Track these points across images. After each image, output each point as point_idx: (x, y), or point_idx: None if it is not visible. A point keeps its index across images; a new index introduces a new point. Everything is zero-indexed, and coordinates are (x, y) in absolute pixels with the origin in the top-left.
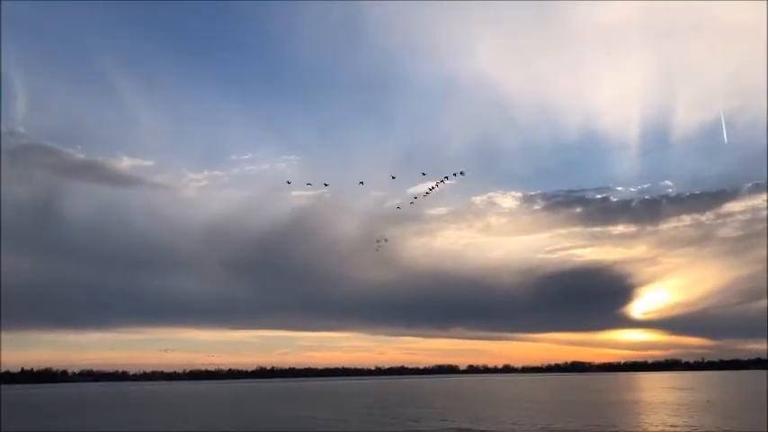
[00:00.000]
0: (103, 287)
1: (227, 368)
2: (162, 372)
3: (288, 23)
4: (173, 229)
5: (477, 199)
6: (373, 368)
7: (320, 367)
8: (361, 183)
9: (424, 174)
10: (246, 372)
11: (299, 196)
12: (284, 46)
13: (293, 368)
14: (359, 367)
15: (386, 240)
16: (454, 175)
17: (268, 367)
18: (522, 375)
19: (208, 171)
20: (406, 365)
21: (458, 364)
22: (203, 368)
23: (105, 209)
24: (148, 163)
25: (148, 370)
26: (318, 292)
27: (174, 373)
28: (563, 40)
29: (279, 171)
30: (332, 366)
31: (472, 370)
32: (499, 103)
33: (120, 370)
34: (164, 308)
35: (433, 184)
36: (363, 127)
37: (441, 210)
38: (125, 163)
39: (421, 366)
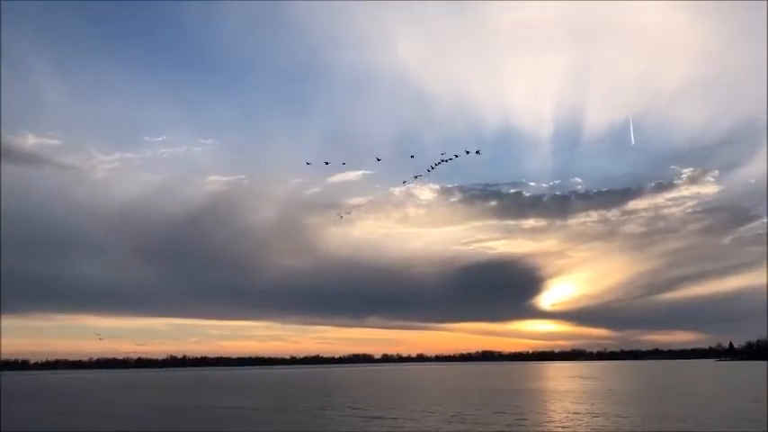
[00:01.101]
0: (4, 272)
1: (137, 357)
2: (66, 360)
3: (211, 7)
4: (80, 211)
5: (396, 190)
6: (288, 357)
7: (233, 356)
8: (412, 156)
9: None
10: (156, 360)
11: (216, 181)
12: (206, 30)
13: (205, 357)
14: (273, 356)
15: (348, 213)
16: (467, 152)
17: (179, 356)
18: (435, 364)
19: (119, 153)
20: (320, 355)
21: (372, 353)
22: (111, 357)
23: (7, 189)
24: (55, 142)
25: (52, 358)
26: (233, 280)
27: (80, 361)
28: (482, 38)
29: (195, 155)
30: (245, 356)
31: (386, 359)
32: (418, 97)
33: (21, 358)
34: (70, 294)
35: (444, 159)
36: (283, 114)
37: (360, 199)
38: (30, 141)
39: (336, 355)
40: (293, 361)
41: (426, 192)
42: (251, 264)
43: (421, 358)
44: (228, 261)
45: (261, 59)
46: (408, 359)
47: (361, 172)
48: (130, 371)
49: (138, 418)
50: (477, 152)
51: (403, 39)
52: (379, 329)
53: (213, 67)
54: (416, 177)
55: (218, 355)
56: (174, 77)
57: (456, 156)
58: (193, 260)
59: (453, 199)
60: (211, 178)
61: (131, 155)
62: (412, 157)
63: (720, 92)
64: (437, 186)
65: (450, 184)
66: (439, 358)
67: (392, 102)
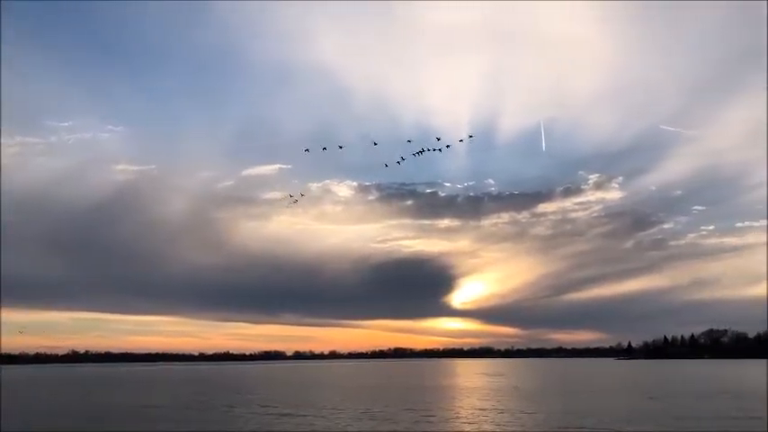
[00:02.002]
0: None
1: (34, 351)
2: None
3: None
4: None
5: (313, 186)
6: (197, 354)
7: (139, 352)
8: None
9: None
10: (56, 356)
11: (124, 170)
12: (119, 14)
13: (109, 353)
14: (182, 353)
15: (301, 195)
16: (460, 141)
17: (81, 351)
18: (348, 361)
19: (20, 137)
20: (231, 351)
21: (285, 351)
22: (6, 352)
23: None
24: None
25: None
26: (141, 273)
27: None
28: (403, 38)
29: (102, 142)
30: (153, 352)
31: (299, 356)
32: (338, 93)
33: None
34: None
35: (422, 149)
36: (197, 104)
37: (275, 194)
38: None
39: (247, 352)
40: (202, 358)
41: (344, 189)
42: (160, 257)
43: (334, 355)
44: (136, 253)
45: (176, 47)
46: (321, 356)
47: (277, 166)
48: (30, 366)
49: (29, 416)
50: (469, 137)
51: (324, 34)
52: (292, 326)
53: (125, 52)
54: (399, 162)
55: (124, 351)
56: (81, 61)
57: (437, 149)
58: (99, 252)
59: (371, 197)
60: (119, 167)
61: (33, 139)
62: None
63: (626, 102)
64: (355, 184)
65: (367, 182)
66: (352, 355)
67: (311, 97)
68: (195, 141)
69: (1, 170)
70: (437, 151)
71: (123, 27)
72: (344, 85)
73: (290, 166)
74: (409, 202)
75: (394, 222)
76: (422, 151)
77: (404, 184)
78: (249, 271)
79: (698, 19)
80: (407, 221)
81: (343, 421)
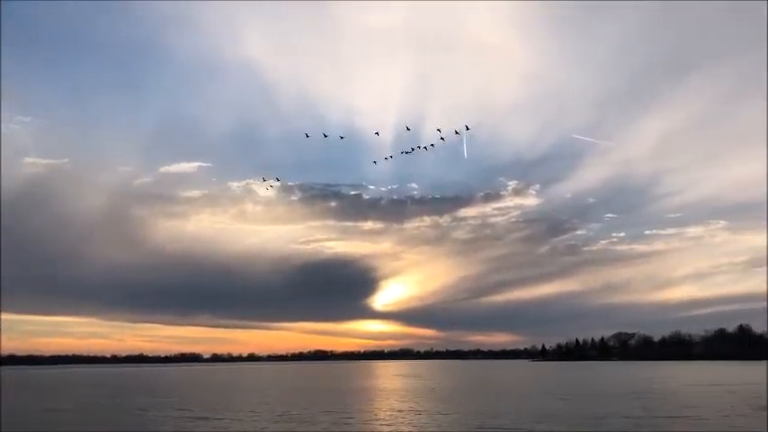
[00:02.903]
0: None
1: None
2: None
3: None
4: None
5: (234, 185)
6: (109, 356)
7: (47, 354)
8: (377, 133)
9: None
10: None
11: (34, 164)
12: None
13: (13, 355)
14: (93, 355)
15: (277, 180)
16: (456, 132)
17: None
18: (267, 364)
19: None
20: (145, 353)
21: (202, 353)
22: None
23: None
24: None
25: None
26: (50, 272)
27: None
28: (331, 37)
29: (11, 134)
30: (62, 354)
31: (216, 358)
32: (264, 90)
33: None
34: None
35: (418, 146)
36: (115, 97)
37: (195, 192)
38: None
39: (162, 355)
40: (115, 360)
41: (266, 188)
42: (72, 255)
43: (252, 358)
44: (46, 251)
45: (95, 37)
46: (239, 359)
47: (197, 164)
48: None
49: None
50: (466, 127)
51: (251, 30)
52: (209, 328)
53: (39, 40)
54: (387, 158)
55: (30, 353)
56: None
57: (432, 145)
58: (5, 249)
59: (293, 197)
60: (29, 160)
61: None
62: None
63: (544, 111)
64: (277, 183)
65: (291, 182)
66: (271, 358)
67: (235, 93)
68: (112, 135)
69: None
70: (424, 149)
71: (37, 14)
72: (270, 83)
73: (210, 165)
74: (333, 204)
75: (317, 223)
76: (411, 150)
77: (328, 185)
78: (166, 270)
79: (613, 32)
80: (331, 223)
81: (260, 424)
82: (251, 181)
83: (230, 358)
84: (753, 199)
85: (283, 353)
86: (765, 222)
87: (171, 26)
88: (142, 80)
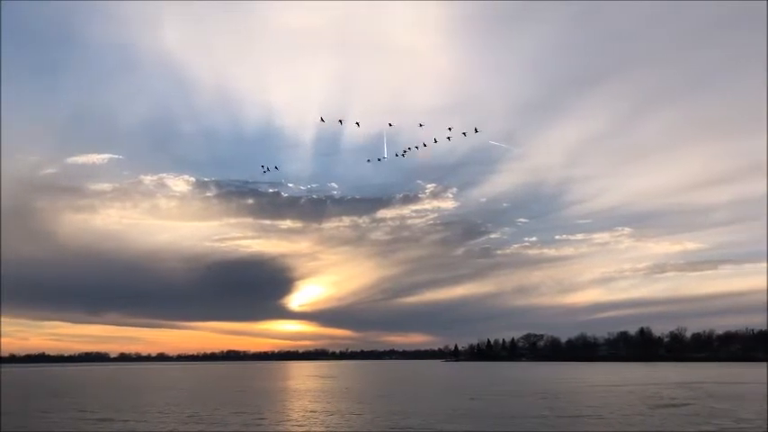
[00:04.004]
0: None
1: None
2: None
3: None
4: None
5: (147, 179)
6: (8, 356)
7: None
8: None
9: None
10: None
11: None
12: None
13: None
14: None
15: (276, 168)
16: (464, 134)
17: None
18: (177, 364)
19: None
20: (48, 353)
21: (108, 352)
22: None
23: None
24: None
25: None
26: None
27: None
28: (252, 35)
29: None
30: None
31: (124, 358)
32: (181, 85)
33: None
34: None
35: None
36: (24, 82)
37: (104, 186)
38: None
39: (66, 354)
40: (15, 359)
41: (180, 183)
42: None
43: (162, 357)
44: None
45: (8, 20)
46: (148, 358)
47: (107, 155)
48: None
49: None
50: (475, 130)
51: (170, 24)
52: (117, 326)
53: None
54: (380, 159)
55: None
56: None
57: (435, 140)
58: None
59: (209, 193)
60: None
61: None
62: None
63: (463, 116)
64: (192, 179)
65: (206, 178)
66: (181, 358)
67: (151, 86)
68: (17, 123)
69: None
70: (417, 149)
71: None
72: (188, 78)
73: (121, 157)
74: (250, 201)
75: (233, 221)
76: (405, 151)
77: (245, 182)
78: (71, 266)
79: (530, 43)
80: (248, 220)
81: (168, 425)
82: (164, 175)
83: (138, 358)
84: (655, 208)
85: (194, 353)
86: (666, 231)
87: (87, 13)
88: (54, 67)
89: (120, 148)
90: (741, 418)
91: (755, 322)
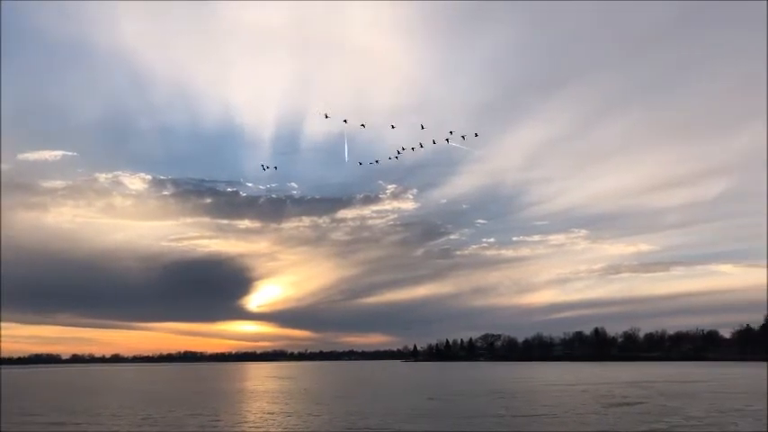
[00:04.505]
0: None
1: None
2: None
3: None
4: None
5: (102, 176)
6: None
7: None
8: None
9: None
10: None
11: None
12: None
13: None
14: None
15: (276, 168)
16: (462, 137)
17: None
18: (132, 365)
19: None
20: None
21: (60, 353)
22: None
23: None
24: None
25: None
26: None
27: None
28: (211, 32)
29: None
30: None
31: (77, 359)
32: (137, 81)
33: None
34: None
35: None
36: None
37: (57, 183)
38: None
39: (15, 356)
40: None
41: (137, 181)
42: None
43: (116, 359)
44: None
45: None
46: (102, 360)
47: (60, 152)
48: None
49: None
50: (475, 135)
51: (126, 19)
52: (69, 327)
53: None
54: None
55: None
56: None
57: (433, 142)
58: None
59: (166, 192)
60: None
61: None
62: (393, 127)
63: (423, 117)
64: (149, 177)
65: (163, 176)
66: (137, 359)
67: (106, 81)
68: None
69: None
70: (411, 149)
71: None
72: (144, 74)
73: (75, 154)
74: (208, 200)
75: (190, 220)
76: (399, 153)
77: (203, 181)
78: (21, 265)
79: (491, 45)
80: (205, 220)
81: (120, 428)
82: (120, 173)
83: (92, 359)
84: (611, 210)
85: (150, 354)
86: (621, 233)
87: (39, 8)
88: (2, 59)
89: (74, 144)
90: (690, 415)
91: (705, 323)
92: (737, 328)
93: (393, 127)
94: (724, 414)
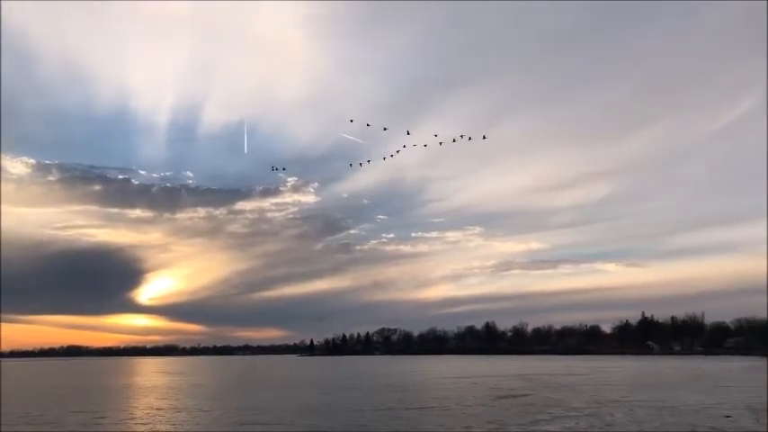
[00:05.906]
0: None
1: None
2: None
3: None
4: None
5: None
6: None
7: None
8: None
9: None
10: None
11: None
12: None
13: None
14: None
15: (284, 169)
16: (453, 141)
17: None
18: (9, 360)
19: None
20: None
21: None
22: None
23: None
24: None
25: None
26: None
27: None
28: (107, 13)
29: None
30: None
31: None
32: (21, 59)
33: None
34: None
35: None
36: None
37: None
38: None
39: None
40: None
41: (19, 165)
42: None
43: None
44: None
45: None
46: None
47: None
48: None
49: None
50: (483, 137)
51: None
52: None
53: None
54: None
55: None
56: None
57: (425, 145)
58: None
59: (51, 177)
60: None
61: None
62: (385, 129)
63: (326, 111)
64: (32, 161)
65: (48, 161)
66: (15, 354)
67: None
68: None
69: None
70: (403, 148)
71: None
72: (30, 52)
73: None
74: (97, 188)
75: (77, 208)
76: (393, 154)
77: (92, 167)
78: None
79: (398, 42)
80: (93, 208)
81: None
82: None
83: None
84: (504, 209)
85: (30, 348)
86: (513, 231)
87: None
88: None
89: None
90: (571, 407)
91: (589, 318)
92: (617, 323)
93: (385, 129)
94: (602, 405)
